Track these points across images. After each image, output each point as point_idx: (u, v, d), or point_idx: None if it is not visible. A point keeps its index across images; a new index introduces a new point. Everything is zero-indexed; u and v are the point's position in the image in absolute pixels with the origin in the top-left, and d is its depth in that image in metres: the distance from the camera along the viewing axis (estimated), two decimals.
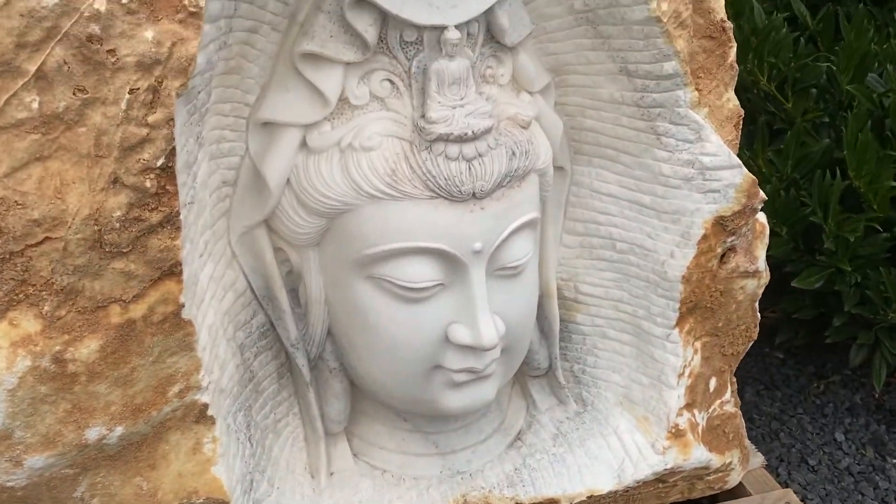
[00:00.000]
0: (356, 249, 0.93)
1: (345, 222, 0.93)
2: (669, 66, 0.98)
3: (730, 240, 1.08)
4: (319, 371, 1.07)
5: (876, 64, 1.49)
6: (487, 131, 0.91)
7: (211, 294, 0.89)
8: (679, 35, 0.97)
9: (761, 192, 1.07)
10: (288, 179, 0.94)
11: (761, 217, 1.11)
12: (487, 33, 0.96)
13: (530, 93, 1.03)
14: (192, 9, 0.67)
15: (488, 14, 0.93)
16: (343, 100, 0.93)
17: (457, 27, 0.89)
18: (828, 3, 1.81)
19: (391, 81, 0.93)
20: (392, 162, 0.90)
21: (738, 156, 1.55)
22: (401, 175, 0.90)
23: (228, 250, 0.96)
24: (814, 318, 1.54)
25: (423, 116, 0.90)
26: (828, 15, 1.68)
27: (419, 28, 0.89)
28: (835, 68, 1.45)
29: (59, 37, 0.64)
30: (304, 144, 0.94)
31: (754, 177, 1.05)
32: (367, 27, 0.88)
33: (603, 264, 1.15)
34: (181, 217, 0.74)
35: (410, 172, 0.90)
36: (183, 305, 0.77)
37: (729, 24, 1.06)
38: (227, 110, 0.90)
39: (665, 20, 0.95)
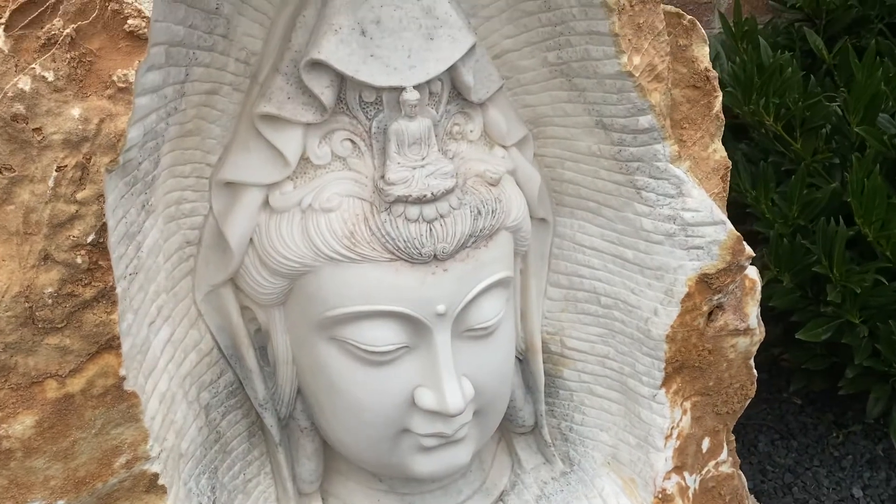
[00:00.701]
0: (318, 311, 0.91)
1: (306, 283, 0.91)
2: (645, 121, 0.95)
3: (716, 297, 1.03)
4: (291, 430, 1.05)
5: (890, 102, 1.42)
6: (449, 191, 0.89)
7: (167, 358, 0.88)
8: (654, 88, 0.94)
9: (748, 249, 1.02)
10: (251, 239, 0.93)
11: (751, 273, 1.06)
12: (453, 90, 0.94)
13: (504, 147, 1.01)
14: (121, 84, 0.67)
15: (452, 72, 0.90)
16: (305, 159, 0.91)
17: (417, 87, 0.87)
18: (846, 35, 1.74)
19: (352, 141, 0.91)
20: (351, 224, 0.88)
21: (744, 197, 1.50)
22: (359, 237, 0.88)
23: (193, 309, 0.95)
24: (827, 367, 1.47)
25: (382, 177, 0.88)
26: (845, 48, 1.62)
27: (378, 89, 0.87)
28: (844, 108, 1.39)
29: None
30: (266, 204, 0.92)
31: (739, 234, 1.00)
32: (323, 89, 0.86)
33: (588, 318, 1.11)
34: (118, 291, 0.72)
35: (369, 234, 0.88)
36: (124, 378, 0.76)
37: (714, 74, 1.02)
38: (188, 171, 0.90)
39: (637, 74, 0.91)
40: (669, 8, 1.00)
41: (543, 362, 1.14)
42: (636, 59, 0.91)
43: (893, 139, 1.33)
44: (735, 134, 1.72)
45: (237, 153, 0.92)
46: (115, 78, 0.66)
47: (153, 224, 0.82)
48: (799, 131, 1.44)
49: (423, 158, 0.89)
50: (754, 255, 1.03)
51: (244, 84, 0.90)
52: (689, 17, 1.00)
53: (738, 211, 1.57)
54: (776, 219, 1.35)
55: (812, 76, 1.50)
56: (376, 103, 0.89)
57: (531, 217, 1.05)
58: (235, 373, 1.00)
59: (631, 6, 0.89)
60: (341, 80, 0.88)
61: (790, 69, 1.41)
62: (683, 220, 0.99)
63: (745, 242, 1.02)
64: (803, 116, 1.43)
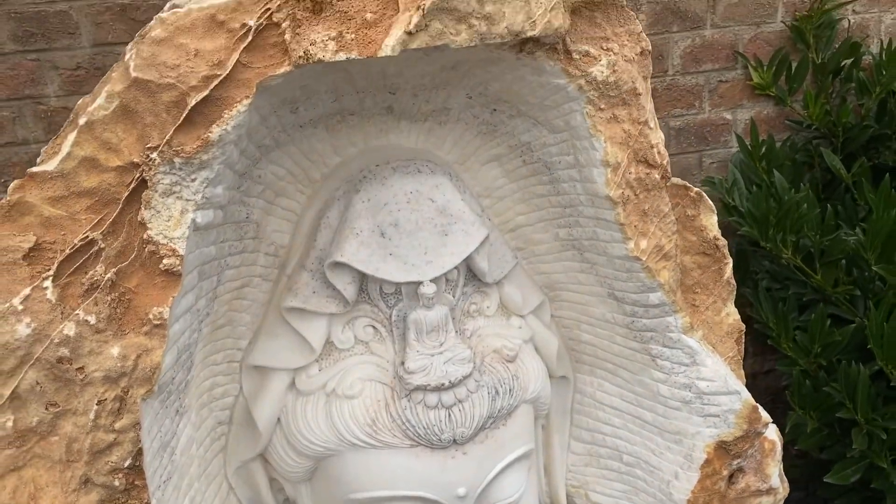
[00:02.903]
0: (342, 492, 0.95)
1: (330, 465, 0.95)
2: (655, 297, 0.98)
3: (736, 462, 1.04)
4: None
5: None
6: (466, 377, 0.92)
7: None
8: (663, 267, 0.97)
9: (764, 416, 1.03)
10: (279, 419, 0.97)
11: (770, 433, 1.07)
12: (469, 273, 0.99)
13: (521, 315, 1.04)
14: (156, 322, 0.72)
15: (467, 260, 0.95)
16: (330, 343, 0.96)
17: (434, 279, 0.92)
18: (863, 152, 1.77)
19: (374, 327, 0.96)
20: (373, 411, 0.92)
21: (766, 327, 1.50)
22: (381, 424, 0.91)
23: (224, 485, 0.99)
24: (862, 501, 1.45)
25: (402, 364, 0.92)
26: (864, 169, 1.64)
27: (397, 283, 0.92)
28: (861, 245, 1.40)
29: (31, 362, 0.69)
30: (293, 385, 0.97)
31: (754, 402, 1.01)
32: (346, 285, 0.92)
33: (612, 474, 1.13)
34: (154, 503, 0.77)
35: (390, 422, 0.92)
36: None
37: (722, 242, 1.05)
38: (220, 359, 0.95)
39: (645, 258, 0.95)
40: (676, 180, 1.04)
41: None
42: (643, 244, 0.95)
43: None
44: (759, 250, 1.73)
45: (266, 339, 0.97)
46: (150, 316, 0.72)
47: (187, 422, 0.87)
48: (818, 263, 1.45)
49: (441, 344, 0.93)
50: (771, 420, 1.04)
51: (273, 274, 0.96)
52: (696, 189, 1.04)
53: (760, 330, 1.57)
54: (798, 357, 1.36)
55: (829, 205, 1.52)
56: (396, 294, 0.94)
57: (552, 376, 1.08)
58: None
59: (636, 195, 0.94)
60: (363, 275, 0.93)
61: (805, 205, 1.43)
62: (699, 389, 1.01)
63: (761, 409, 1.03)
64: (822, 248, 1.45)
